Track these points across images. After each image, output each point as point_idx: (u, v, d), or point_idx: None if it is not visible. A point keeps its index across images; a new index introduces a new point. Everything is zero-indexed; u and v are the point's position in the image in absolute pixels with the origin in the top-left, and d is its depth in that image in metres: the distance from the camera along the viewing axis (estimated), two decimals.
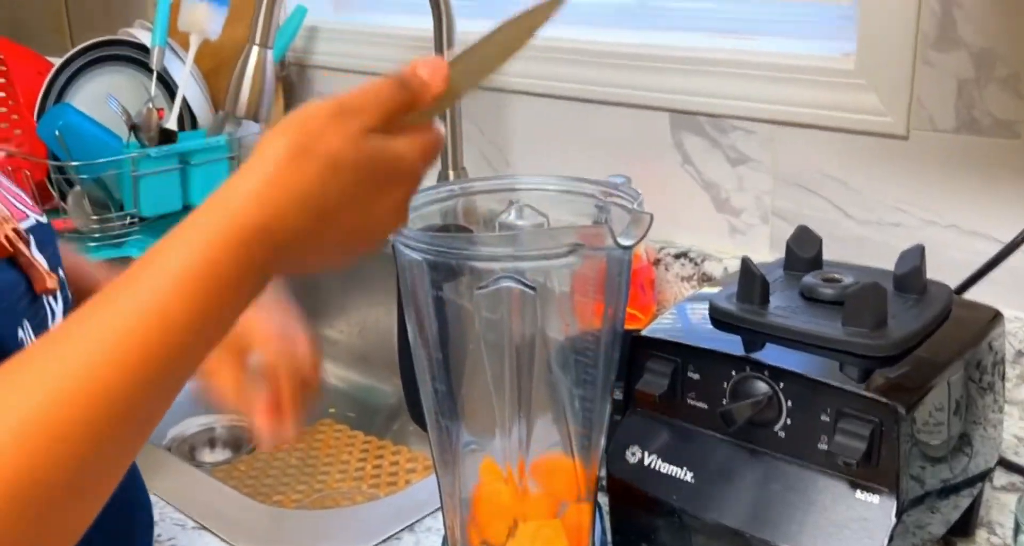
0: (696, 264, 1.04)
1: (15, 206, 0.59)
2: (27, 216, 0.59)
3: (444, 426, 0.62)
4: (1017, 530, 0.47)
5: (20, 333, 0.53)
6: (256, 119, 1.01)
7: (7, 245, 0.54)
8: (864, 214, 0.93)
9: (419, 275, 0.58)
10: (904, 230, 0.90)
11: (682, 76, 1.02)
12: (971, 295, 0.78)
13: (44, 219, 0.62)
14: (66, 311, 0.59)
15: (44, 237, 0.60)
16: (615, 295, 0.61)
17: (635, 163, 1.08)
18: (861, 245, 0.93)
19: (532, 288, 0.55)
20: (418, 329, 0.60)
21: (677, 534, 0.63)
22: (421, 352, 0.61)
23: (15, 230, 0.56)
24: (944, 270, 0.78)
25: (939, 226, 0.89)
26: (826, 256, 0.94)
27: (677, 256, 1.06)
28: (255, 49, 0.99)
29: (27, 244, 0.56)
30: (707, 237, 1.05)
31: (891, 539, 0.56)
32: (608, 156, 1.11)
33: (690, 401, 0.63)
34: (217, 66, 1.40)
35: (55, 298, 0.58)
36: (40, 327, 0.56)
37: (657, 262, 1.07)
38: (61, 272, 0.61)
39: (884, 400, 0.56)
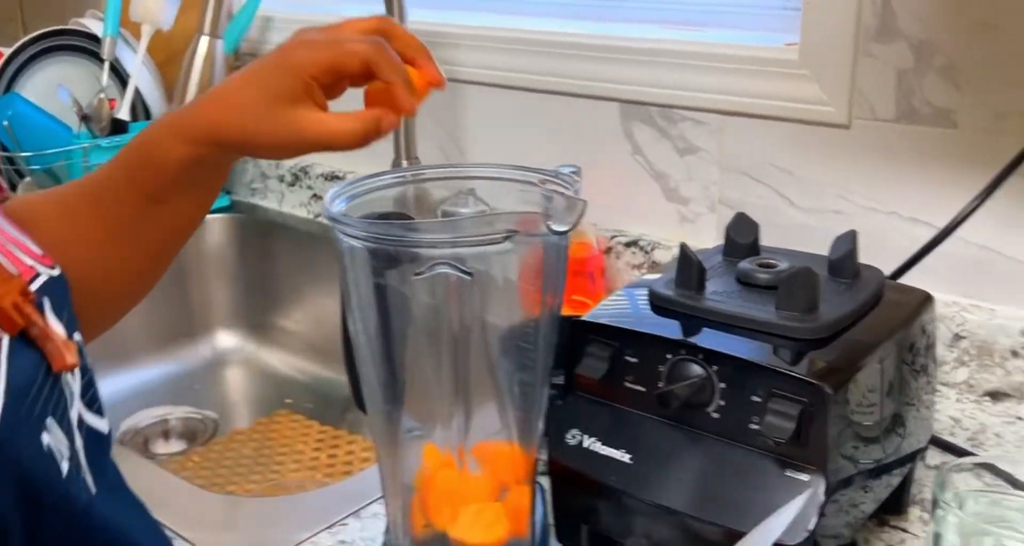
0: (646, 252, 1.06)
1: (19, 258, 0.48)
2: (36, 271, 0.49)
3: (386, 412, 0.63)
4: (935, 505, 0.49)
5: (45, 438, 0.44)
6: None
7: (16, 316, 0.43)
8: (807, 201, 0.95)
9: (359, 262, 0.58)
10: (845, 217, 0.92)
11: (632, 67, 1.04)
12: (910, 281, 0.79)
13: (56, 271, 0.50)
14: (86, 388, 0.49)
15: (59, 295, 0.49)
16: (553, 281, 0.62)
17: (586, 153, 1.09)
18: (804, 232, 0.95)
19: (469, 274, 0.56)
20: (359, 316, 0.60)
21: (617, 515, 0.65)
22: (362, 339, 0.61)
23: (23, 293, 0.45)
24: (885, 256, 0.80)
25: (880, 213, 0.91)
26: (770, 243, 0.96)
27: (628, 244, 1.07)
28: (204, 39, 0.99)
29: (39, 308, 0.46)
30: (657, 226, 1.06)
31: (822, 516, 0.58)
32: (560, 146, 1.12)
33: (628, 384, 0.65)
34: (170, 57, 1.39)
35: (73, 374, 0.48)
36: (62, 419, 0.46)
37: (608, 250, 1.08)
38: (78, 335, 0.49)
39: (812, 381, 0.57)
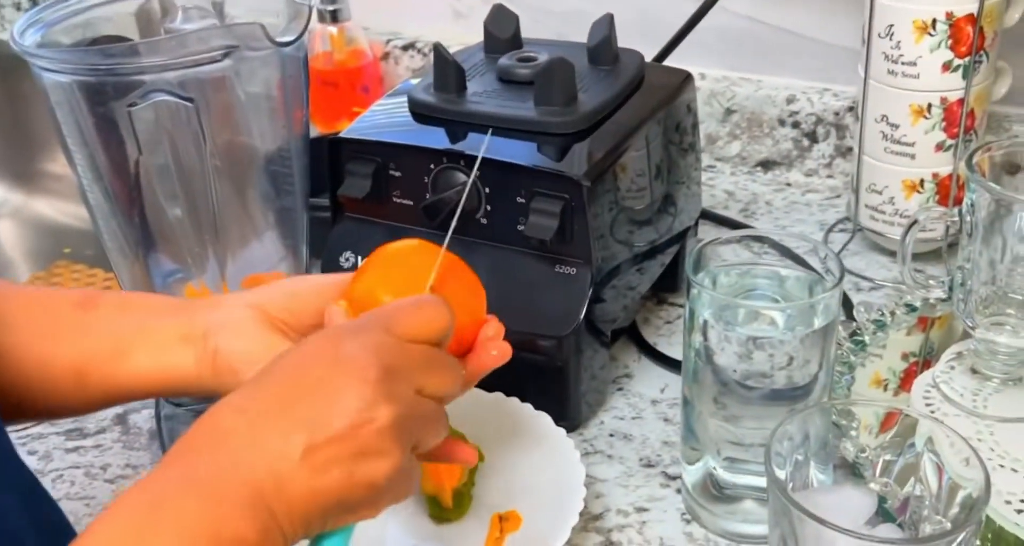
0: (424, 55, 1.01)
1: None
2: None
3: (134, 258, 0.58)
4: (688, 286, 0.50)
5: None
6: None
7: None
8: None
9: (66, 98, 0.52)
10: None
11: None
12: (683, 60, 0.79)
13: None
14: None
15: None
16: (296, 98, 0.57)
17: None
18: (581, 18, 0.92)
19: (189, 100, 0.50)
20: (81, 158, 0.54)
21: None
22: (87, 182, 0.56)
23: None
24: (662, 35, 0.79)
25: None
26: (546, 34, 0.93)
27: (405, 48, 1.01)
28: None
29: None
30: (433, 24, 1.01)
31: (594, 301, 0.59)
32: None
33: (396, 199, 0.62)
34: None
35: None
36: None
37: (386, 56, 1.02)
38: None
39: (569, 175, 0.56)
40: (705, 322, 0.50)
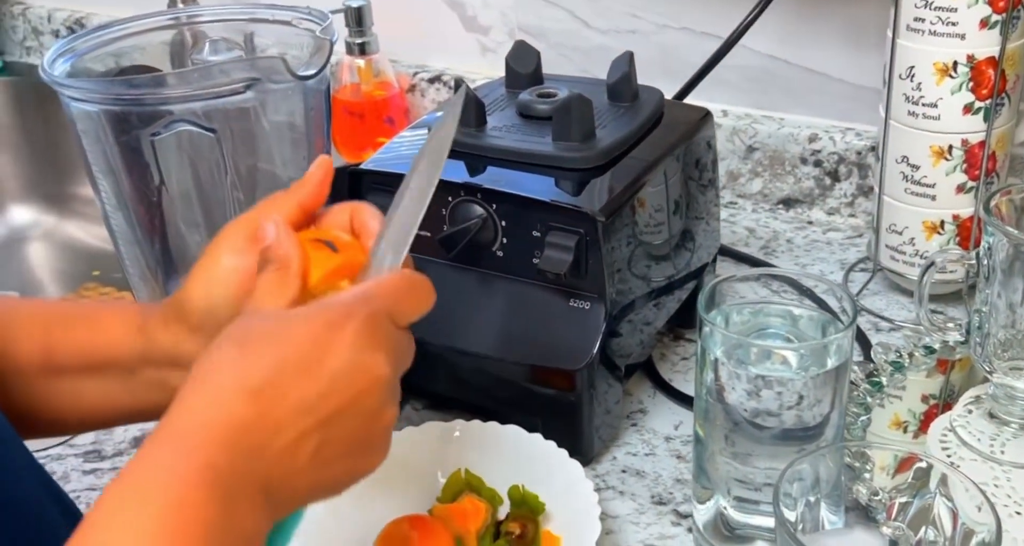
0: (450, 87, 1.02)
1: None
2: None
3: (160, 282, 0.59)
4: (701, 324, 0.50)
5: None
6: None
7: None
8: (602, 23, 0.92)
9: (93, 127, 0.53)
10: (641, 36, 0.91)
11: None
12: (705, 97, 0.79)
13: None
14: None
15: None
16: (318, 128, 0.58)
17: None
18: (604, 55, 0.93)
19: (211, 131, 0.51)
20: (106, 185, 0.56)
21: (421, 364, 0.64)
22: (118, 212, 0.57)
23: None
24: (684, 73, 0.79)
25: (673, 29, 0.89)
26: (570, 69, 0.94)
27: (431, 81, 1.03)
28: None
29: None
30: (459, 58, 1.02)
31: (609, 336, 0.59)
32: None
33: None
34: None
35: None
36: None
37: (412, 89, 1.04)
38: None
39: (584, 210, 0.57)
40: (716, 360, 0.50)
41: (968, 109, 0.67)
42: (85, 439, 0.67)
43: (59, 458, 0.65)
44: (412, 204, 0.45)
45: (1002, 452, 0.57)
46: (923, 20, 0.66)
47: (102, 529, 0.33)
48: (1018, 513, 0.54)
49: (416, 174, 0.46)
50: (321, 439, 0.37)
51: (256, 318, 0.40)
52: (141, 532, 0.33)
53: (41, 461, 0.65)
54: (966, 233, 0.71)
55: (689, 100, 0.78)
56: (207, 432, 0.35)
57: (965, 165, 0.69)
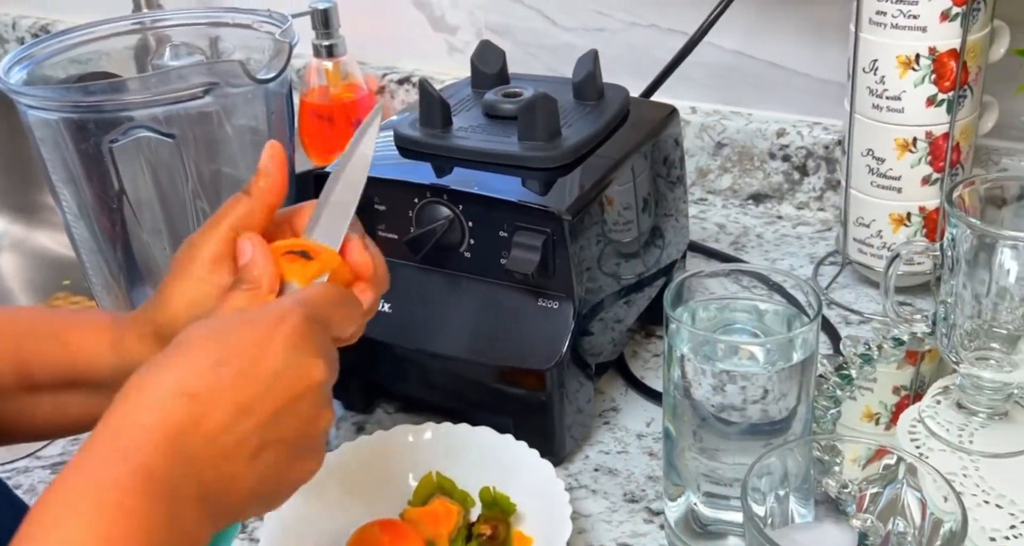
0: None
1: None
2: None
3: (124, 291, 0.59)
4: (667, 322, 0.50)
5: None
6: None
7: None
8: (570, 21, 0.92)
9: (50, 134, 0.53)
10: (609, 34, 0.91)
11: None
12: (673, 94, 0.79)
13: None
14: None
15: None
16: (280, 131, 0.58)
17: None
18: (572, 53, 0.93)
19: (170, 136, 0.51)
20: (66, 192, 0.55)
21: (384, 366, 0.64)
22: (80, 221, 0.56)
23: None
24: (652, 71, 0.79)
25: (641, 27, 0.89)
26: (539, 68, 0.94)
27: (400, 82, 1.02)
28: None
29: None
30: (427, 59, 1.02)
31: (579, 335, 0.59)
32: None
33: (381, 233, 0.62)
34: None
35: None
36: None
37: (382, 90, 1.03)
38: None
39: (550, 209, 0.57)
40: (683, 356, 0.50)
41: (931, 101, 0.68)
42: (52, 450, 0.66)
43: (26, 471, 0.65)
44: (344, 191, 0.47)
45: (970, 442, 0.58)
46: (885, 14, 0.67)
47: (39, 541, 0.33)
48: (987, 502, 0.54)
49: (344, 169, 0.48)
50: (259, 442, 0.37)
51: (198, 323, 0.40)
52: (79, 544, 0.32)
53: (6, 474, 0.64)
54: (933, 225, 0.72)
55: (658, 97, 0.78)
56: (145, 435, 0.35)
57: (930, 157, 0.70)
